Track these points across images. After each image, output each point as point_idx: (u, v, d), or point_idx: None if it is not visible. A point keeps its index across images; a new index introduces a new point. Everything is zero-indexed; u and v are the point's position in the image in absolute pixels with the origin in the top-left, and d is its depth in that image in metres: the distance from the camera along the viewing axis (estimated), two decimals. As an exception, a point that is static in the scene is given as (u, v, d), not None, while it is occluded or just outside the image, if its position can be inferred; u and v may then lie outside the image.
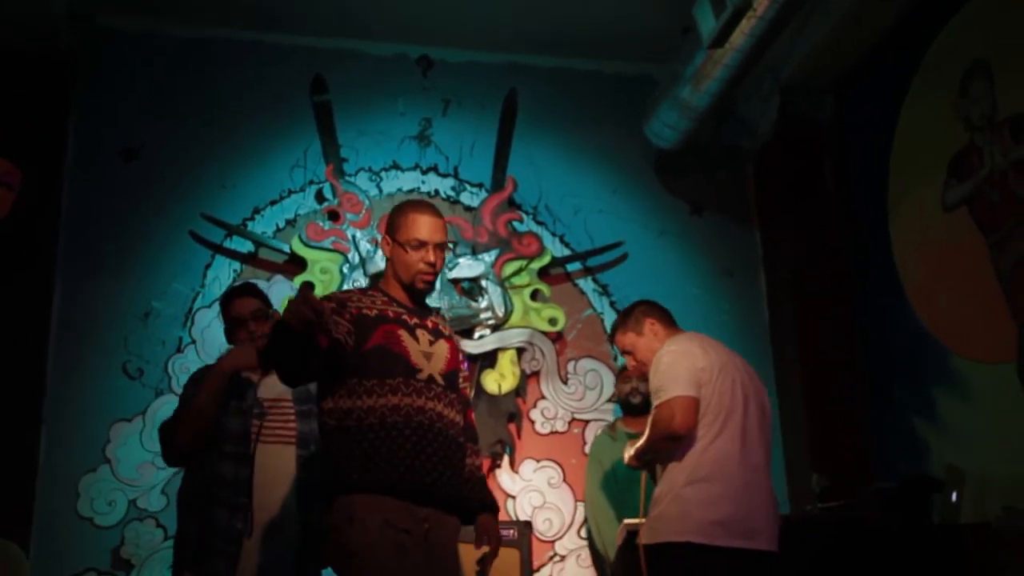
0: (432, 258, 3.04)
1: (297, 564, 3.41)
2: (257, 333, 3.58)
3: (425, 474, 2.86)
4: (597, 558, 4.67)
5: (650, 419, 3.48)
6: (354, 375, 2.92)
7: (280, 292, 5.14)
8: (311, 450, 3.53)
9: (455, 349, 3.14)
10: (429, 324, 3.09)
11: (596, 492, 4.63)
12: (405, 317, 3.02)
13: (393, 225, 3.11)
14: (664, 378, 3.44)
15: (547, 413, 5.28)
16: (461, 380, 3.17)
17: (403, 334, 2.98)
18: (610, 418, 5.25)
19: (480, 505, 3.14)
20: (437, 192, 5.50)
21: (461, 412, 3.09)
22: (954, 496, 4.32)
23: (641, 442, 3.56)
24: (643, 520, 3.59)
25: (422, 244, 3.04)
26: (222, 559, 3.32)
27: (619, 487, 4.49)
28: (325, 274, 5.17)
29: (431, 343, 3.04)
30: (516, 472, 5.15)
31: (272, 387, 3.57)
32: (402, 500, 2.83)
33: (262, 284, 5.13)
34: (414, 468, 2.84)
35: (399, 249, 3.07)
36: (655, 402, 3.46)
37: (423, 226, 3.06)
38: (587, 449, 5.10)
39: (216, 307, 5.03)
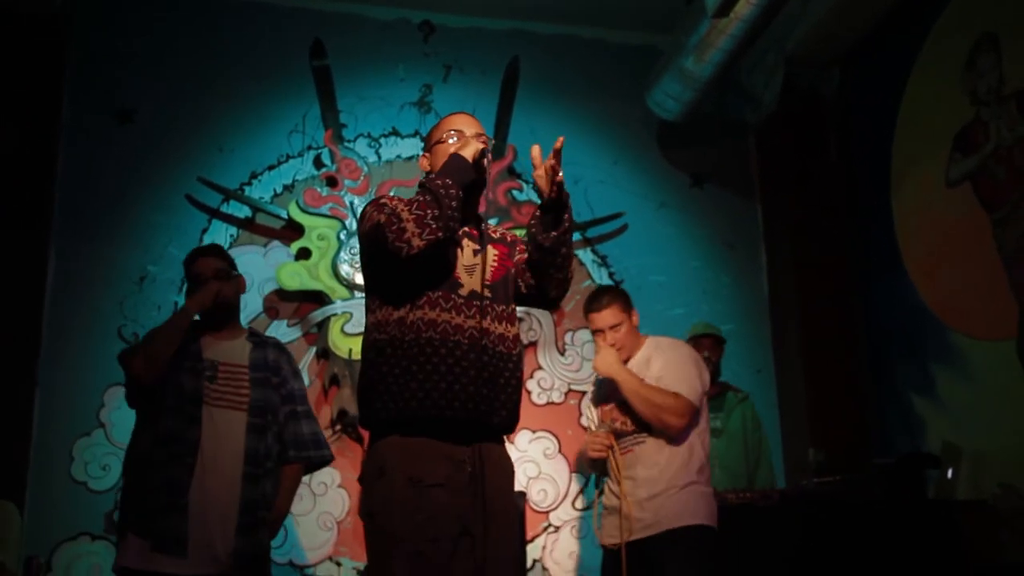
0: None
1: (239, 534, 3.39)
2: (221, 292, 3.58)
3: (464, 403, 2.60)
4: None
5: (666, 396, 3.68)
6: (395, 283, 2.71)
7: (277, 258, 5.13)
8: (266, 419, 3.53)
9: (505, 253, 2.87)
10: (474, 232, 2.83)
11: None
12: None
13: (428, 139, 2.95)
14: (696, 377, 3.75)
15: (543, 384, 5.26)
16: (522, 251, 2.89)
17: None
18: (607, 390, 5.23)
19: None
20: (436, 160, 5.45)
21: (514, 322, 2.82)
22: (950, 473, 4.32)
23: (642, 390, 3.70)
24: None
25: (460, 134, 2.85)
26: (175, 512, 3.33)
27: None
28: (322, 240, 5.13)
29: (475, 252, 2.79)
30: (512, 443, 5.13)
31: (227, 351, 3.58)
32: (439, 440, 2.60)
33: (259, 249, 5.14)
34: (451, 395, 2.59)
35: (436, 148, 2.87)
36: (680, 388, 3.69)
37: (457, 119, 2.92)
38: (584, 421, 5.09)
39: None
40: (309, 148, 5.38)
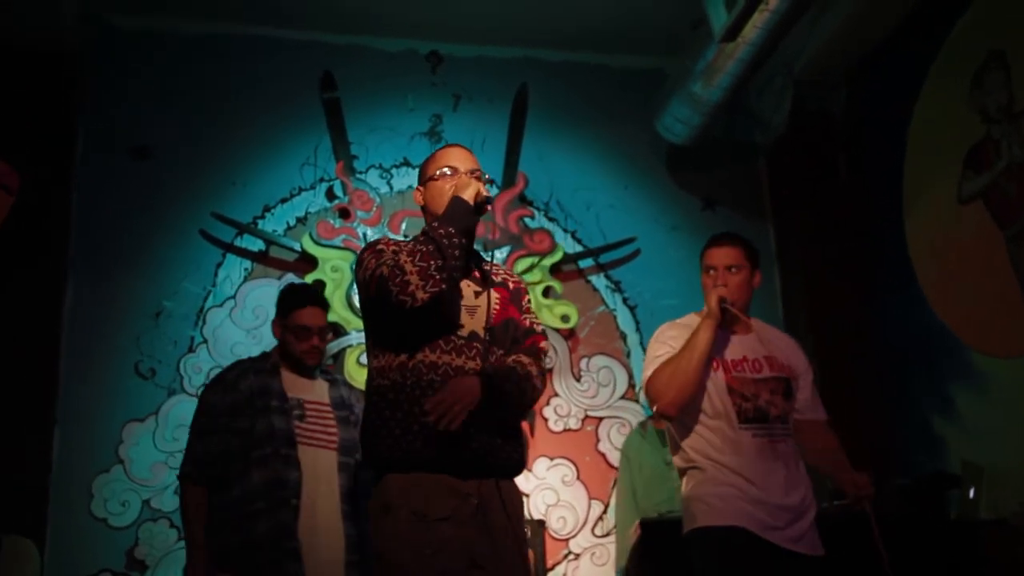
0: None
1: (350, 570, 3.38)
2: (322, 349, 3.58)
3: (466, 443, 2.59)
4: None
5: (830, 428, 3.38)
6: (396, 328, 2.70)
7: (291, 290, 5.14)
8: (355, 457, 3.51)
9: (506, 297, 2.86)
10: (476, 274, 2.84)
11: (620, 492, 4.62)
12: None
13: (422, 173, 2.91)
14: None
15: (560, 410, 5.26)
16: (527, 311, 2.90)
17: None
18: (624, 415, 5.23)
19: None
20: (448, 189, 5.47)
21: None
22: (971, 492, 4.29)
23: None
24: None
25: (454, 170, 2.81)
26: (290, 559, 3.28)
27: (644, 484, 4.47)
28: (336, 272, 5.15)
29: (477, 294, 2.79)
30: (530, 470, 5.12)
31: (308, 389, 3.56)
32: (442, 475, 2.60)
33: (272, 282, 5.16)
34: (453, 436, 2.57)
35: (431, 185, 2.83)
36: (827, 416, 3.40)
37: (451, 154, 2.88)
38: (601, 447, 5.10)
39: (227, 306, 5.07)
40: (321, 180, 5.41)
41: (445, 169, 2.83)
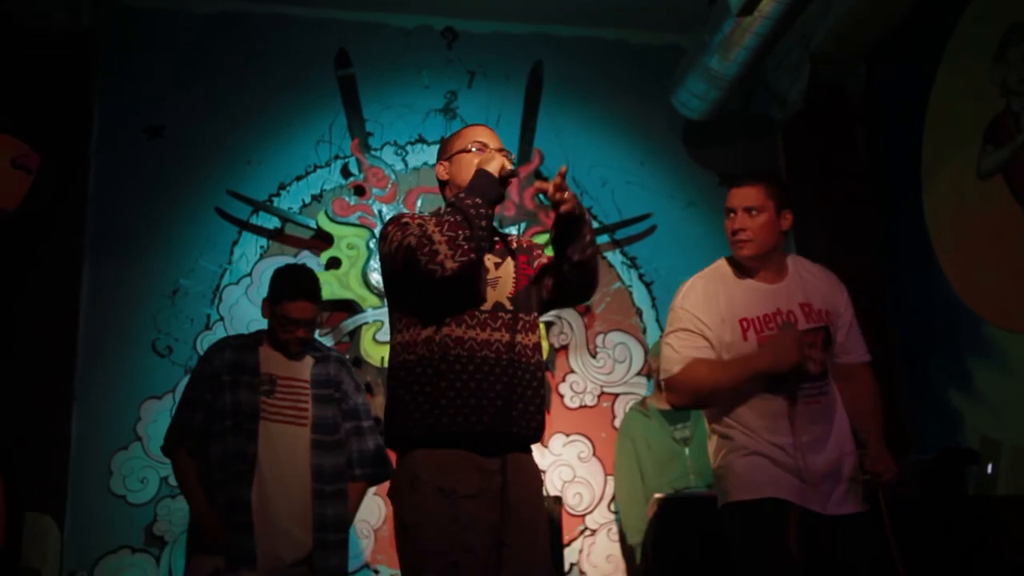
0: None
1: (320, 550, 3.41)
2: (305, 339, 3.59)
3: (492, 416, 2.62)
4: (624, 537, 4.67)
5: (871, 375, 3.26)
6: (420, 302, 2.72)
7: (307, 268, 5.15)
8: (335, 437, 3.52)
9: (524, 261, 2.89)
10: (496, 246, 2.86)
11: (625, 471, 4.60)
12: None
13: (446, 148, 2.94)
14: None
15: (576, 387, 5.26)
16: (538, 256, 2.93)
17: None
18: (640, 391, 5.22)
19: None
20: (463, 166, 5.46)
21: (535, 330, 2.82)
22: (990, 468, 4.28)
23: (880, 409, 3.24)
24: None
25: (483, 146, 2.84)
26: (242, 530, 3.34)
27: (653, 464, 4.47)
28: (352, 249, 5.15)
29: (497, 266, 2.81)
30: (546, 447, 5.13)
31: (287, 365, 3.57)
32: (468, 451, 2.61)
33: (288, 259, 5.15)
34: (480, 410, 2.61)
35: (458, 158, 2.86)
36: (869, 358, 3.29)
37: (480, 131, 2.92)
38: (617, 423, 5.09)
39: (243, 284, 5.09)
40: (336, 157, 5.40)
41: (475, 143, 2.85)
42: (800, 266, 3.27)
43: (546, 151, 5.48)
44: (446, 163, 2.91)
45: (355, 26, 5.57)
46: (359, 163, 5.32)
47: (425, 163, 5.43)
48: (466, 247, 2.58)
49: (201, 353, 4.94)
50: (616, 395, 5.27)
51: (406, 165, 5.43)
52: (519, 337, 2.73)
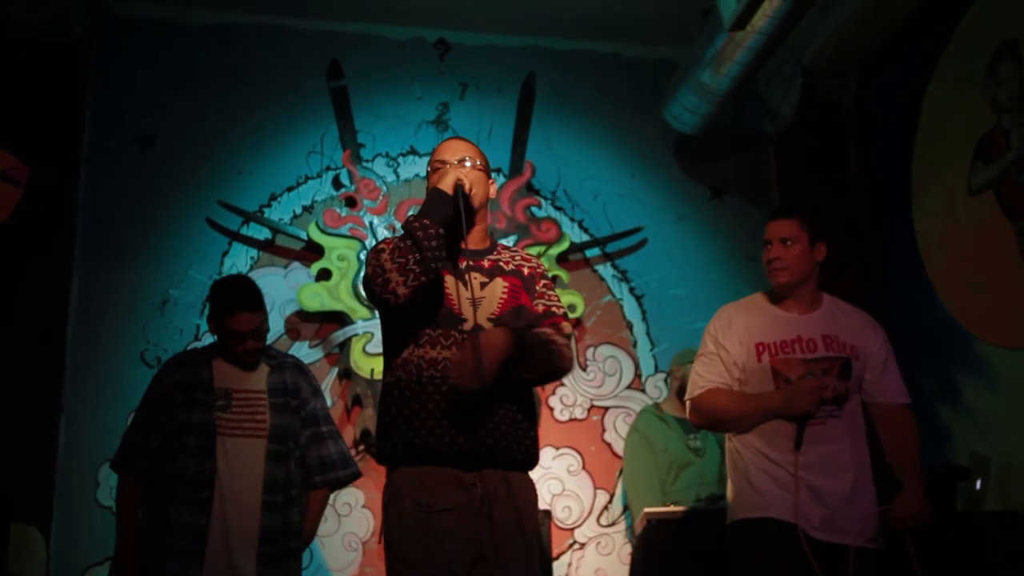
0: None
1: (262, 563, 3.37)
2: (257, 348, 3.55)
3: (467, 436, 2.61)
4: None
5: (912, 418, 3.38)
6: (399, 325, 2.75)
7: (297, 279, 5.14)
8: (288, 446, 3.50)
9: (519, 284, 2.85)
10: (486, 264, 2.83)
11: (641, 468, 4.58)
12: (455, 260, 2.77)
13: (427, 173, 2.95)
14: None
15: (566, 400, 5.25)
16: (540, 296, 2.88)
17: (449, 280, 2.75)
18: (631, 405, 5.22)
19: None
20: (455, 178, 5.46)
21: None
22: (979, 484, 4.27)
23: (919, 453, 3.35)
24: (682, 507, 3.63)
25: (443, 163, 2.83)
26: (186, 559, 3.29)
27: (667, 467, 4.50)
28: (343, 261, 5.14)
29: (483, 285, 2.78)
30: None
31: (241, 377, 3.55)
32: (445, 467, 2.62)
33: (279, 270, 5.15)
34: (454, 430, 2.61)
35: (430, 178, 2.87)
36: (908, 400, 3.39)
37: (444, 147, 2.92)
38: (607, 436, 5.09)
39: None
40: (328, 169, 5.40)
41: (438, 163, 2.86)
42: (835, 304, 3.42)
43: (538, 163, 5.48)
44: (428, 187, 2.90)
45: (348, 37, 5.57)
46: (350, 174, 5.31)
47: (417, 175, 5.42)
48: (417, 271, 2.59)
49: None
50: (606, 408, 5.26)
51: (398, 177, 5.43)
52: None
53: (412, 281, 2.59)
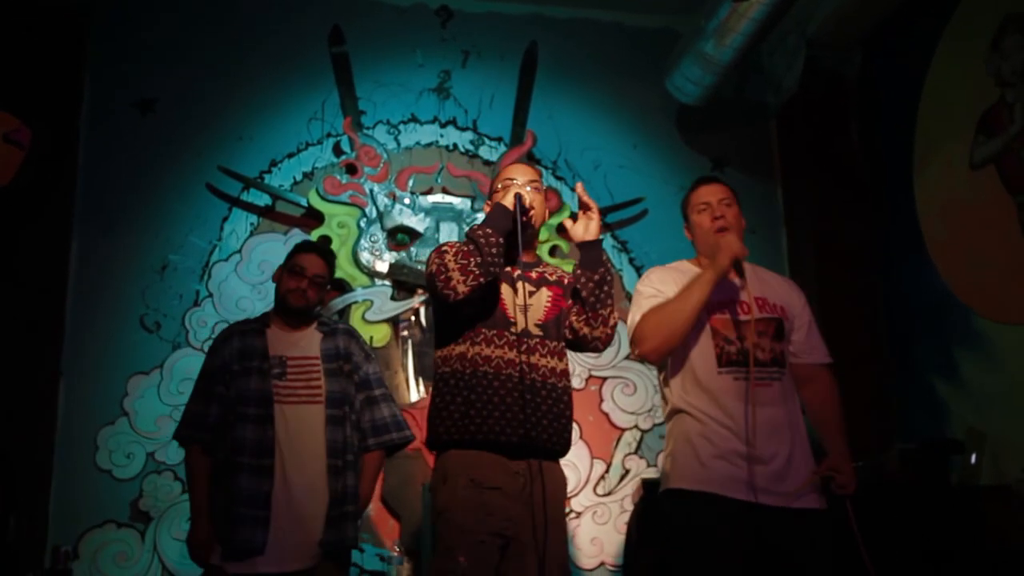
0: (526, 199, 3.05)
1: (328, 526, 3.41)
2: (309, 296, 3.59)
3: (515, 428, 2.92)
4: None
5: (832, 377, 3.28)
6: (457, 321, 3.05)
7: (297, 246, 5.14)
8: (344, 410, 3.53)
9: (560, 293, 3.16)
10: (533, 275, 3.15)
11: None
12: (508, 270, 3.08)
13: (491, 186, 3.27)
14: None
15: (564, 370, 5.25)
16: (572, 306, 3.13)
17: (502, 286, 3.06)
18: (628, 375, 5.24)
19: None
20: (456, 146, 5.45)
21: (563, 357, 3.11)
22: (973, 458, 4.29)
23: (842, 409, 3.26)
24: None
25: (512, 181, 3.13)
26: (253, 524, 3.33)
27: None
28: (343, 228, 5.14)
29: (531, 294, 3.11)
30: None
31: (295, 344, 3.57)
32: (494, 454, 2.93)
33: (279, 237, 5.15)
34: (504, 422, 2.93)
35: (495, 197, 3.17)
36: (829, 360, 3.30)
37: (512, 169, 3.22)
38: (604, 407, 5.12)
39: (233, 260, 5.09)
40: (328, 135, 5.38)
41: (506, 181, 3.16)
42: (758, 269, 3.34)
43: (539, 133, 5.46)
44: (490, 202, 3.24)
45: (350, 3, 5.54)
46: (351, 141, 5.29)
47: (417, 142, 5.41)
48: (477, 272, 2.91)
49: (189, 329, 4.97)
50: (604, 379, 5.27)
51: (398, 144, 5.41)
52: (543, 361, 3.04)
53: (471, 281, 2.91)
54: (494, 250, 2.92)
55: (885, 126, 5.31)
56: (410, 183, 5.28)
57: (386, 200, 5.18)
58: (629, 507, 5.00)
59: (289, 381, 3.48)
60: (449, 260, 2.93)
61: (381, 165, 5.29)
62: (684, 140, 5.72)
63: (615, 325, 3.15)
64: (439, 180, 5.35)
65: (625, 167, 5.61)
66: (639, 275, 5.37)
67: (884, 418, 5.05)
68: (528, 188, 3.09)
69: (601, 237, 3.09)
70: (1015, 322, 4.25)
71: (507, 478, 2.91)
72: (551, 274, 3.20)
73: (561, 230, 5.33)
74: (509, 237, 2.98)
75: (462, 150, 5.44)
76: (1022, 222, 4.18)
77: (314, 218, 5.17)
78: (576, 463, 5.13)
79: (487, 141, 5.48)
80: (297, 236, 5.14)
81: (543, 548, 2.86)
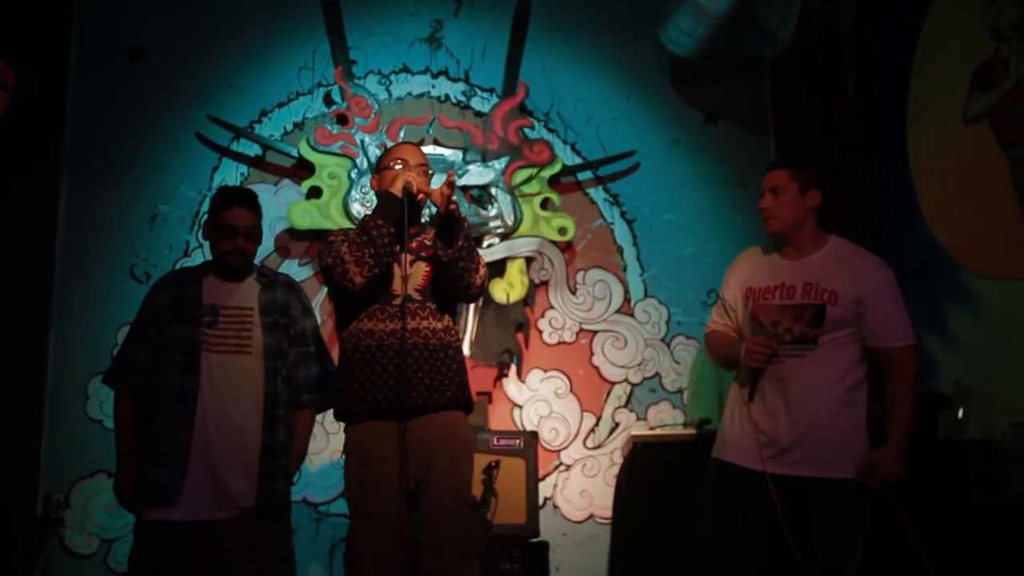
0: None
1: (259, 478, 3.42)
2: (247, 251, 3.56)
3: (400, 391, 3.17)
4: None
5: (908, 363, 3.43)
6: (349, 303, 3.32)
7: (288, 197, 5.11)
8: (276, 363, 3.52)
9: (431, 255, 3.35)
10: (414, 244, 3.37)
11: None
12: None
13: (379, 163, 3.52)
14: (908, 316, 3.48)
15: (555, 323, 5.26)
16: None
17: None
18: (619, 329, 5.25)
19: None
20: (447, 97, 5.40)
21: (443, 317, 3.36)
22: (961, 412, 4.32)
23: (912, 403, 3.39)
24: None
25: (404, 163, 3.42)
26: (171, 470, 3.34)
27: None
28: (333, 179, 5.11)
29: (412, 263, 3.33)
30: (523, 382, 5.16)
31: (231, 294, 3.55)
32: (379, 421, 3.21)
33: (269, 187, 5.12)
34: (387, 387, 3.20)
35: (383, 174, 3.43)
36: (907, 343, 3.43)
37: (403, 149, 3.52)
38: (595, 360, 5.14)
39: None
40: (319, 85, 5.33)
41: (396, 160, 3.40)
42: (838, 248, 3.54)
43: (531, 84, 5.41)
44: (377, 176, 3.46)
45: (341, -49, 5.46)
46: (342, 91, 5.24)
47: (409, 93, 5.37)
48: (371, 263, 3.17)
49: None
50: (594, 332, 5.28)
51: (390, 95, 5.36)
52: (424, 323, 3.28)
53: (367, 272, 3.17)
54: (386, 240, 3.16)
55: (880, 80, 5.28)
56: (401, 134, 5.24)
57: (377, 151, 5.15)
58: (618, 460, 5.03)
59: (219, 330, 3.48)
60: (344, 252, 3.16)
61: (372, 116, 5.24)
62: (677, 93, 5.67)
63: (481, 284, 3.39)
64: (431, 131, 5.31)
65: (618, 120, 5.57)
66: (631, 229, 5.42)
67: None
68: (417, 172, 3.34)
69: (457, 216, 3.23)
70: (1005, 278, 4.26)
71: (391, 442, 3.16)
72: (429, 238, 3.36)
73: (553, 183, 5.32)
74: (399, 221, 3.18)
75: (454, 101, 5.40)
76: (1014, 178, 4.17)
77: (304, 168, 5.13)
78: (566, 416, 5.16)
79: (479, 92, 5.44)
80: (288, 186, 5.14)
81: (427, 482, 3.16)
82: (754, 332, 3.45)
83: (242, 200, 3.63)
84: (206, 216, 3.72)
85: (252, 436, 3.45)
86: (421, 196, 3.29)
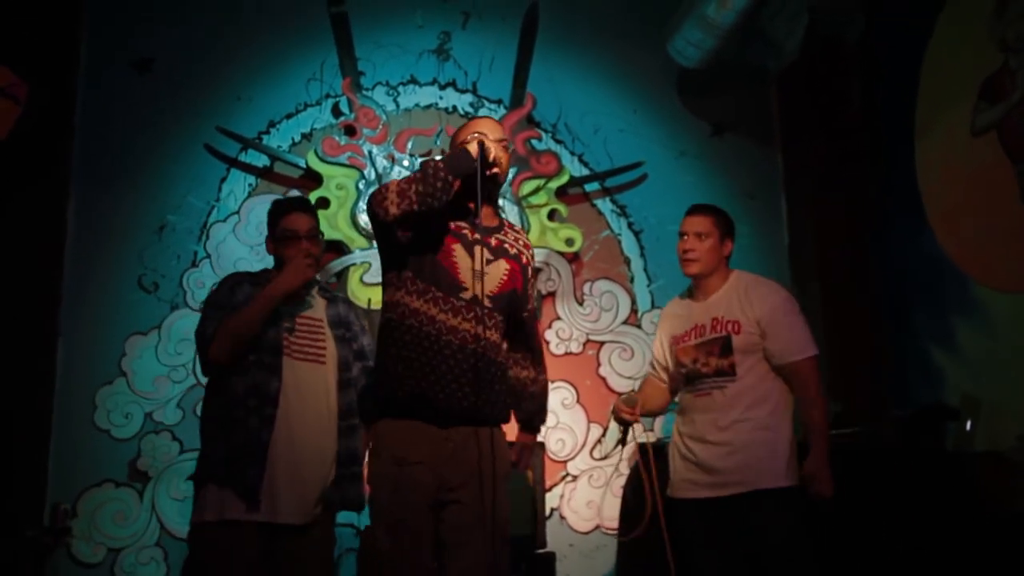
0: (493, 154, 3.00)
1: (336, 484, 3.43)
2: (312, 252, 3.52)
3: (448, 395, 2.88)
4: None
5: (807, 375, 3.54)
6: (410, 271, 2.96)
7: (295, 208, 5.12)
8: (349, 375, 3.52)
9: (518, 270, 3.09)
10: (493, 242, 3.06)
11: None
12: (466, 231, 3.01)
13: (454, 137, 3.18)
14: (806, 331, 3.59)
15: (562, 334, 5.27)
16: (527, 293, 3.17)
17: (456, 248, 2.98)
18: (626, 340, 5.25)
19: (525, 420, 3.24)
20: (455, 108, 5.42)
21: (504, 334, 3.10)
22: (968, 424, 4.31)
23: (821, 411, 3.52)
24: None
25: (482, 135, 3.05)
26: (250, 465, 3.29)
27: None
28: (341, 190, 5.12)
29: (489, 262, 3.01)
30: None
31: (301, 304, 3.54)
32: (424, 422, 2.89)
33: (277, 198, 5.10)
34: (437, 387, 2.88)
35: (461, 145, 3.08)
36: (803, 356, 3.55)
37: (483, 123, 3.16)
38: (602, 371, 5.14)
39: (231, 221, 5.06)
40: (327, 96, 5.35)
41: (475, 134, 3.05)
42: (738, 280, 3.70)
43: (539, 96, 5.42)
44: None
45: (349, -37, 5.49)
46: (350, 103, 5.26)
47: (416, 104, 5.39)
48: (413, 198, 2.82)
49: (187, 290, 4.96)
50: (602, 343, 5.29)
51: (397, 106, 5.38)
52: (489, 334, 2.97)
53: (405, 205, 2.83)
54: (439, 184, 2.83)
55: (886, 91, 5.28)
56: (409, 145, 5.26)
57: (385, 162, 5.17)
58: (625, 471, 5.02)
59: (297, 337, 3.45)
60: (393, 184, 2.88)
61: (380, 127, 5.26)
62: (684, 104, 5.68)
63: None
64: (438, 142, 5.33)
65: (625, 131, 5.58)
66: (638, 240, 5.42)
67: (880, 385, 5.06)
68: (497, 146, 3.02)
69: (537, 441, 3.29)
70: (1013, 290, 4.25)
71: (433, 447, 2.88)
72: (511, 245, 3.12)
73: (560, 194, 5.33)
74: (468, 190, 2.91)
75: (461, 112, 5.41)
76: (1021, 189, 4.17)
77: (312, 179, 5.15)
78: (572, 427, 5.16)
79: (487, 103, 5.46)
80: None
81: (491, 505, 2.87)
82: (678, 373, 3.70)
83: (297, 205, 3.63)
84: (266, 233, 3.62)
85: (329, 443, 3.44)
86: (495, 169, 2.99)
